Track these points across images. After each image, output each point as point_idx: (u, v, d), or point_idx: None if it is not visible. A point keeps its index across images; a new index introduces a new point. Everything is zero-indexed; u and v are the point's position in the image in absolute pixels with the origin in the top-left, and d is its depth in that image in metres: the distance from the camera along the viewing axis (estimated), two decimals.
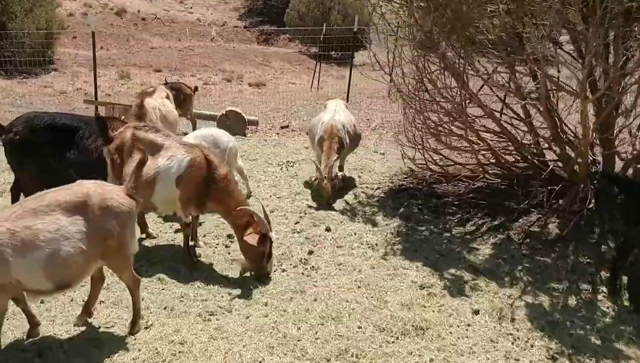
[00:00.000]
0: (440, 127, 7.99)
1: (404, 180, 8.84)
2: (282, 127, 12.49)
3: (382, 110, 15.22)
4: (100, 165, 6.69)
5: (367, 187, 8.58)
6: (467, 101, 7.44)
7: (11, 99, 16.01)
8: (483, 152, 7.83)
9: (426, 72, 7.78)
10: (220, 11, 32.71)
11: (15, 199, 6.85)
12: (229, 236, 6.74)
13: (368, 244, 6.71)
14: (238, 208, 5.82)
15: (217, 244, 6.62)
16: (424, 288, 5.77)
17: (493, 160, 7.97)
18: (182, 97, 11.38)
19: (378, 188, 8.51)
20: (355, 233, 6.98)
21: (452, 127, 7.89)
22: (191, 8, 32.45)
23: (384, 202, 8.00)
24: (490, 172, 7.97)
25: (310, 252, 6.46)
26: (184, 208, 6.05)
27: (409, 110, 8.22)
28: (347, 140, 8.11)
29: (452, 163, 8.30)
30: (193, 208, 6.12)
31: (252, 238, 5.76)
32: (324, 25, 22.52)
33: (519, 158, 7.88)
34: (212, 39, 29.50)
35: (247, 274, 5.91)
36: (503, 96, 8.05)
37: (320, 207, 7.68)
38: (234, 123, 11.60)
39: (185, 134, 10.83)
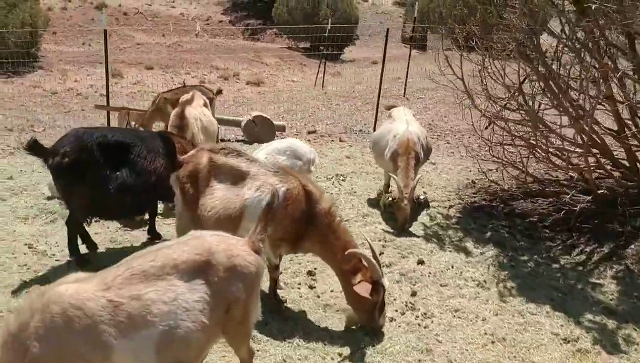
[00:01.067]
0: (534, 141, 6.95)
1: (473, 196, 7.80)
2: (309, 132, 11.30)
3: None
4: (160, 190, 5.63)
5: (438, 205, 7.48)
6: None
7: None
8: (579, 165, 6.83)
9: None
10: (204, 5, 31.11)
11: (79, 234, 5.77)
12: (310, 273, 5.62)
13: (473, 280, 5.63)
14: (347, 252, 4.67)
15: (299, 284, 5.47)
16: (569, 342, 4.70)
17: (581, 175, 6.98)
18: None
19: (451, 206, 7.44)
20: (452, 266, 5.89)
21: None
22: (174, 2, 30.78)
23: (464, 223, 6.92)
24: (578, 188, 6.98)
25: (414, 294, 5.35)
26: (274, 248, 4.87)
27: (490, 121, 7.16)
28: (422, 154, 7.02)
29: (534, 179, 7.28)
30: (285, 249, 4.96)
31: (363, 289, 4.59)
32: (328, 20, 21.29)
33: (615, 173, 6.91)
34: (196, 34, 27.95)
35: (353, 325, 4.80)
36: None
37: (398, 232, 6.58)
38: (262, 129, 10.38)
39: (222, 140, 9.63)
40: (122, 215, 5.92)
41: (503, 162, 7.26)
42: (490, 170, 8.81)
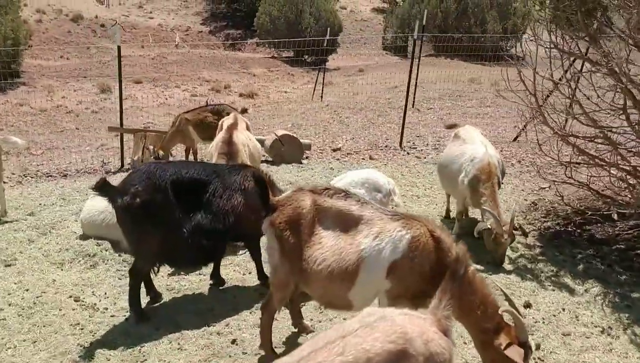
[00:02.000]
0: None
1: (544, 220, 7.07)
2: (333, 150, 10.43)
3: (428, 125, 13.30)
4: (237, 232, 4.84)
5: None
6: None
7: None
8: None
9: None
10: (182, 16, 29.90)
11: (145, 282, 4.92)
12: None
13: (596, 326, 4.84)
14: (501, 310, 3.85)
15: None
16: None
17: None
18: None
19: (527, 233, 6.69)
20: (563, 309, 5.11)
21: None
22: (151, 13, 29.50)
23: (550, 254, 6.15)
24: None
25: (537, 347, 4.56)
26: (392, 306, 4.03)
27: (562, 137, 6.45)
28: (501, 180, 6.26)
29: (610, 200, 6.59)
30: (405, 306, 4.12)
31: (516, 353, 3.78)
32: (326, 31, 20.56)
33: None
34: (176, 45, 26.82)
35: None
36: None
37: (489, 268, 5.78)
38: (290, 148, 9.48)
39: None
40: (195, 261, 5.02)
41: (576, 182, 6.59)
42: (543, 188, 8.15)
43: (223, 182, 4.88)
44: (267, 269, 4.99)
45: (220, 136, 6.52)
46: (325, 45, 19.50)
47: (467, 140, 6.50)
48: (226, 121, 7.03)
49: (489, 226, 5.69)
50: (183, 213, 4.69)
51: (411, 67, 14.74)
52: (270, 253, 4.24)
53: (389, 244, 3.89)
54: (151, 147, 9.21)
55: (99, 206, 6.36)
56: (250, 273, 5.72)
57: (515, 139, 10.97)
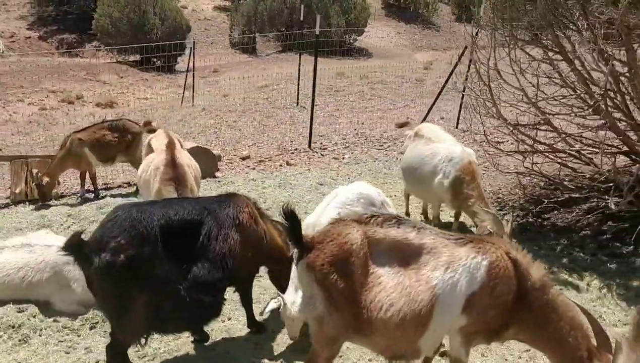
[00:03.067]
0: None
1: (501, 213, 6.80)
2: (242, 158, 9.45)
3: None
4: (235, 277, 4.02)
5: None
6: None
7: None
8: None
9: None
10: (3, 20, 26.33)
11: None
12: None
13: (625, 324, 4.60)
14: (580, 335, 3.34)
15: None
16: None
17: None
18: (129, 138, 7.91)
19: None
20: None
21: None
22: None
23: (528, 248, 5.78)
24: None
25: None
26: (466, 345, 3.40)
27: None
28: None
29: (562, 187, 6.47)
30: (478, 342, 3.49)
31: None
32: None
33: None
34: (1, 53, 23.61)
35: None
36: None
37: None
38: (203, 163, 8.33)
39: None
40: (193, 323, 3.96)
41: (533, 171, 6.42)
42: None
43: (216, 219, 3.88)
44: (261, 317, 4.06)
45: (160, 159, 5.35)
46: (174, 49, 18.21)
47: (433, 138, 6.01)
48: (156, 139, 5.87)
49: (489, 229, 5.22)
50: (176, 266, 3.63)
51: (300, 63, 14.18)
52: (308, 302, 3.38)
53: (464, 275, 3.25)
54: (34, 171, 7.61)
55: (13, 260, 4.96)
56: (229, 319, 4.72)
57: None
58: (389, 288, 3.24)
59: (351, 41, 28.51)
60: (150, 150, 5.88)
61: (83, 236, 3.43)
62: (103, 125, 7.89)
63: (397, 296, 3.21)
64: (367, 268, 3.29)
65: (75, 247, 3.35)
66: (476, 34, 10.68)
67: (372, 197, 4.88)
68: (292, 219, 3.32)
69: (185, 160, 5.49)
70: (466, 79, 7.38)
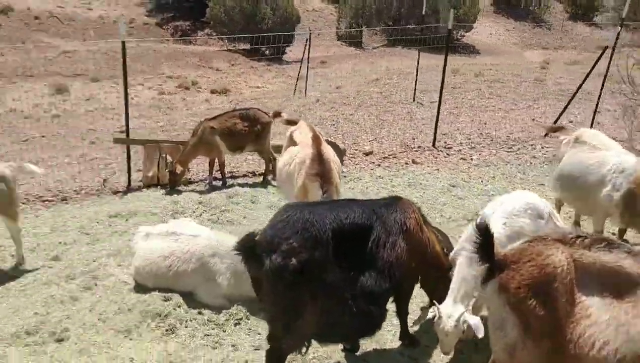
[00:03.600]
0: None
1: None
2: (366, 154, 9.20)
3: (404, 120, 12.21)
4: (398, 287, 3.73)
5: None
6: None
7: None
8: None
9: None
10: (124, 6, 27.52)
11: None
12: None
13: None
14: None
15: None
16: None
17: None
18: (258, 128, 7.81)
19: None
20: None
21: None
22: (90, 4, 26.95)
23: None
24: None
25: None
26: None
27: None
28: None
29: None
30: None
31: None
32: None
33: None
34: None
35: None
36: None
37: None
38: None
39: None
40: (358, 334, 3.74)
41: None
42: None
43: (384, 225, 3.60)
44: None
45: (306, 153, 5.14)
46: (284, 40, 18.22)
47: (598, 145, 5.45)
48: (299, 131, 5.67)
49: None
50: (345, 272, 3.38)
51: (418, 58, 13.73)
52: (498, 326, 3.03)
53: None
54: (168, 157, 7.70)
55: (158, 248, 4.90)
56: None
57: (546, 135, 10.12)
58: (601, 322, 2.82)
59: (459, 37, 27.68)
60: (292, 142, 5.68)
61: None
62: (234, 113, 7.84)
63: (613, 333, 2.79)
64: (573, 296, 2.89)
65: (248, 248, 3.17)
66: (618, 33, 9.93)
67: (540, 209, 4.43)
68: (485, 234, 2.98)
69: (331, 156, 5.26)
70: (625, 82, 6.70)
